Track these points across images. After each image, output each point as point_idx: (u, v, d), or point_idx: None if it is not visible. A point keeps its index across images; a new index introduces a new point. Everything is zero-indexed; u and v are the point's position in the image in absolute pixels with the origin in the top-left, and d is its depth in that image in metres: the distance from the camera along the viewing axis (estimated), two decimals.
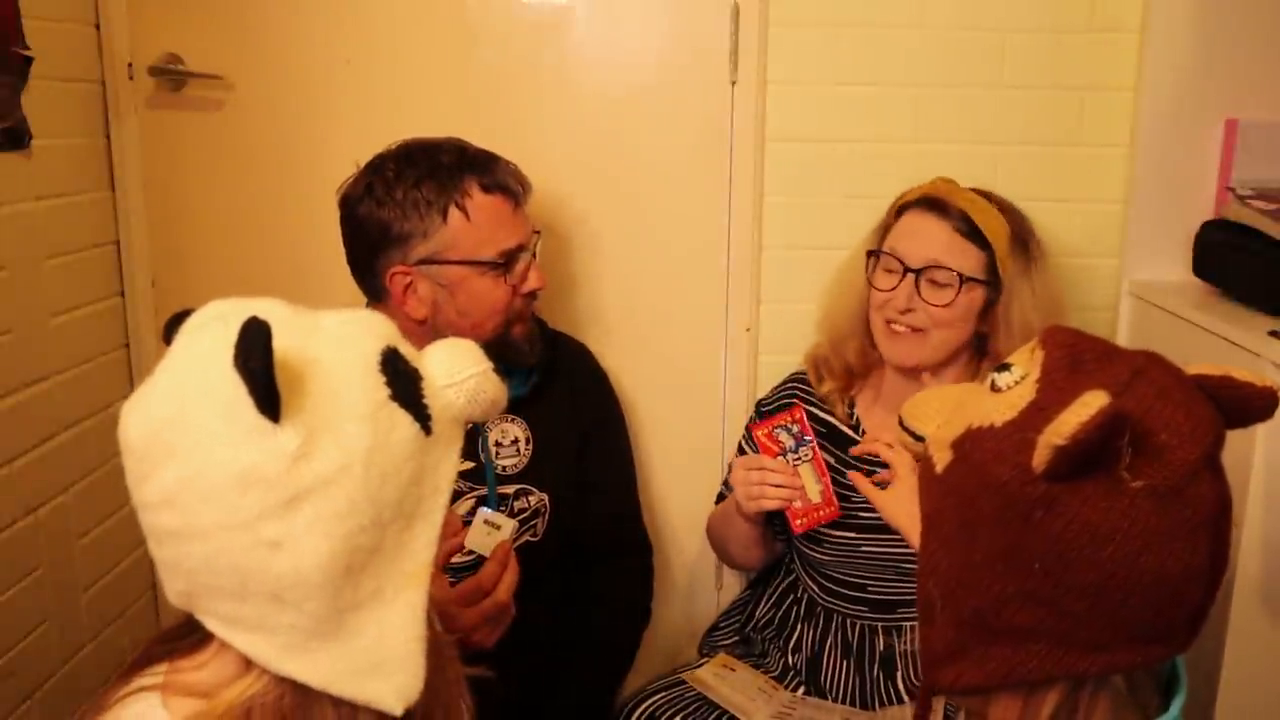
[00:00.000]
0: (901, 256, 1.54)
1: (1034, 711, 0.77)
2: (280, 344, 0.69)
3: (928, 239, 1.53)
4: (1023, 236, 1.57)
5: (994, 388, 0.80)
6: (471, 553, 1.47)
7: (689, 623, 2.00)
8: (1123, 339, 1.86)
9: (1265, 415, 0.78)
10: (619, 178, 1.91)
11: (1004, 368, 0.81)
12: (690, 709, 1.54)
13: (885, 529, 1.41)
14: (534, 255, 1.57)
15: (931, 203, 1.55)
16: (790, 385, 1.72)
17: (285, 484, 0.69)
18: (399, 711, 0.74)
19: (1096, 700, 0.76)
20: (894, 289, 1.53)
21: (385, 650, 0.74)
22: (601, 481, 1.71)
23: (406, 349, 0.79)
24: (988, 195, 1.59)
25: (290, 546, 0.70)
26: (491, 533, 1.47)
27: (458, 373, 0.80)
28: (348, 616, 0.73)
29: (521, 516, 1.58)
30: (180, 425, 0.70)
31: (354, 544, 0.71)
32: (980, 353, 1.58)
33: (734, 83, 1.86)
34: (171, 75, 1.86)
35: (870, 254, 1.60)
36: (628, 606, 1.73)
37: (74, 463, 1.74)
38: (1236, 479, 1.39)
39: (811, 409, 1.65)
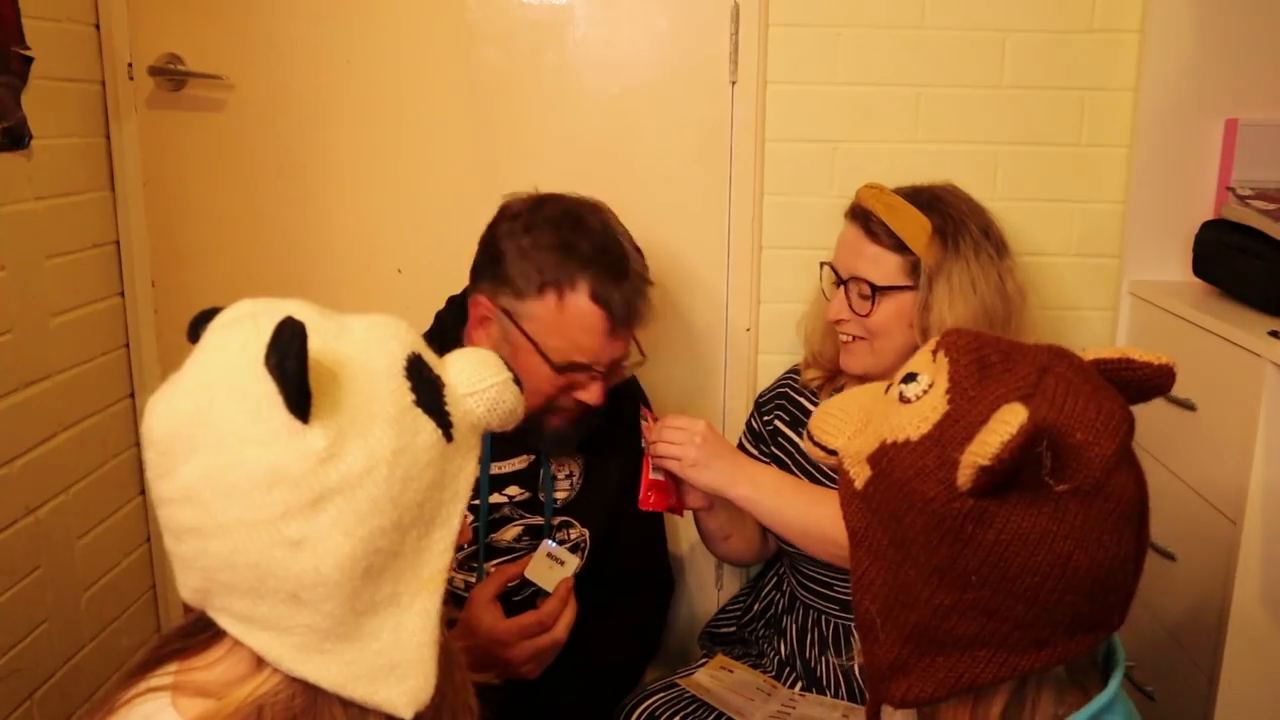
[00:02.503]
0: (836, 267, 1.57)
1: (983, 712, 0.78)
2: (311, 344, 0.69)
3: (851, 249, 1.55)
4: (948, 232, 1.50)
5: (903, 399, 0.80)
6: (527, 583, 1.46)
7: (689, 622, 2.01)
8: (1122, 339, 1.86)
9: (1164, 390, 0.81)
10: (619, 177, 1.91)
11: (910, 378, 0.81)
12: (689, 710, 1.54)
13: None
14: (603, 378, 1.47)
15: (854, 212, 1.56)
16: (785, 377, 1.75)
17: (311, 484, 0.69)
18: (409, 715, 0.74)
19: (1041, 691, 0.78)
20: (832, 300, 1.56)
21: (399, 654, 0.74)
22: (630, 512, 1.64)
23: (430, 356, 0.80)
24: (922, 191, 1.56)
25: (312, 546, 0.70)
26: (554, 567, 1.47)
27: (478, 381, 0.81)
28: (364, 619, 0.73)
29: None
30: (206, 421, 0.70)
31: (374, 546, 0.72)
32: None
33: (734, 83, 1.86)
34: (171, 75, 1.87)
35: (822, 264, 1.63)
36: (636, 635, 1.70)
37: (74, 463, 1.74)
38: (1236, 478, 1.40)
39: (802, 400, 1.68)
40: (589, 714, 1.59)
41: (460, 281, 1.90)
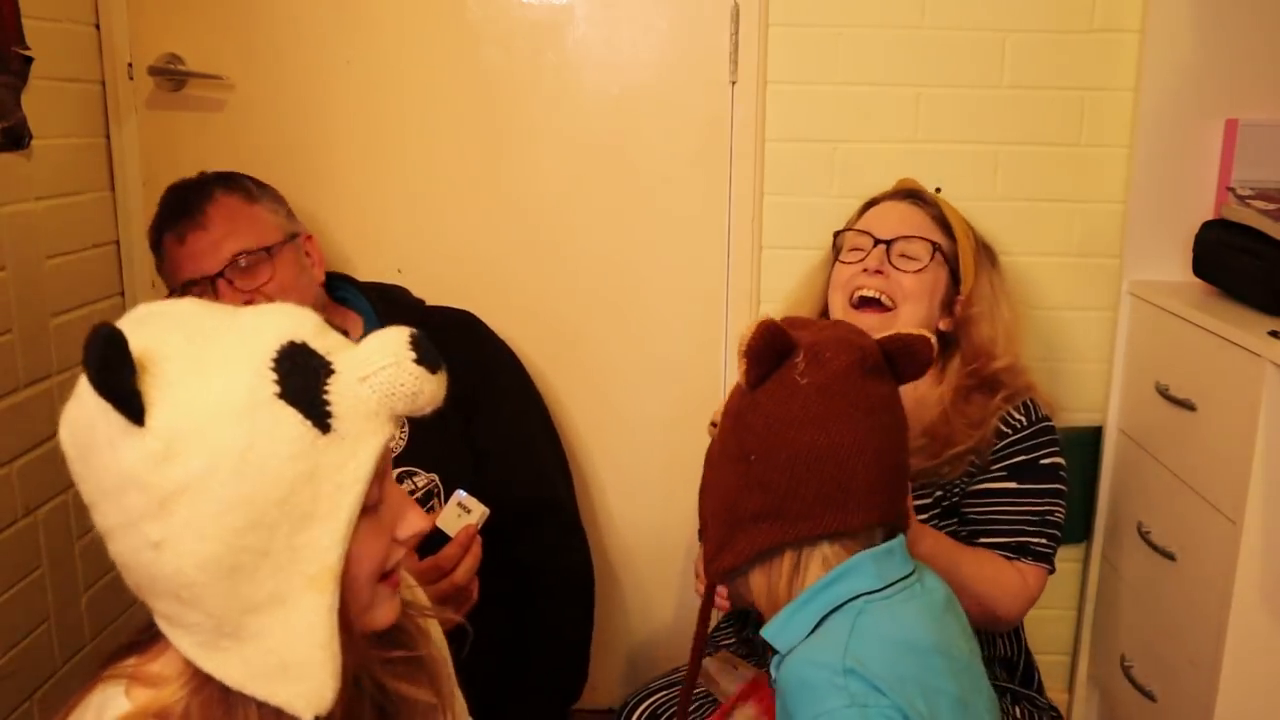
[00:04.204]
0: (872, 230, 1.55)
1: (776, 575, 1.02)
2: (169, 345, 0.70)
3: (901, 218, 1.56)
4: (979, 239, 1.61)
5: None
6: (441, 535, 1.46)
7: (689, 623, 2.00)
8: (1122, 339, 1.86)
9: (925, 357, 1.03)
10: (619, 177, 1.91)
11: None
12: (692, 707, 1.54)
13: None
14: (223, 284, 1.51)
15: (906, 193, 1.61)
16: None
17: (156, 485, 0.69)
18: (308, 718, 0.73)
19: (810, 560, 1.01)
20: (863, 256, 1.53)
21: (290, 655, 0.73)
22: (494, 448, 1.64)
23: (325, 341, 0.75)
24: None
25: (171, 547, 0.70)
26: (462, 515, 1.46)
27: (368, 365, 0.74)
28: (248, 619, 0.72)
29: (413, 498, 1.52)
30: (82, 430, 0.72)
31: (237, 545, 0.70)
32: (943, 348, 1.53)
33: (734, 83, 1.86)
34: (171, 75, 1.87)
35: (836, 234, 1.62)
36: (560, 581, 1.68)
37: None
38: (1236, 478, 1.40)
39: None
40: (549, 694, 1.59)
41: (460, 280, 1.90)
